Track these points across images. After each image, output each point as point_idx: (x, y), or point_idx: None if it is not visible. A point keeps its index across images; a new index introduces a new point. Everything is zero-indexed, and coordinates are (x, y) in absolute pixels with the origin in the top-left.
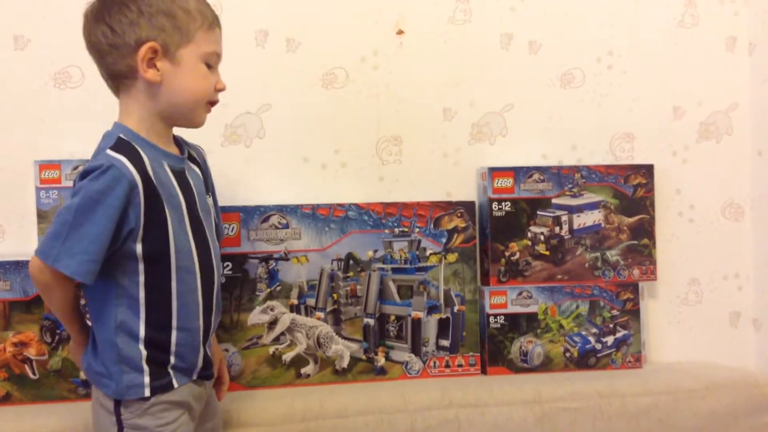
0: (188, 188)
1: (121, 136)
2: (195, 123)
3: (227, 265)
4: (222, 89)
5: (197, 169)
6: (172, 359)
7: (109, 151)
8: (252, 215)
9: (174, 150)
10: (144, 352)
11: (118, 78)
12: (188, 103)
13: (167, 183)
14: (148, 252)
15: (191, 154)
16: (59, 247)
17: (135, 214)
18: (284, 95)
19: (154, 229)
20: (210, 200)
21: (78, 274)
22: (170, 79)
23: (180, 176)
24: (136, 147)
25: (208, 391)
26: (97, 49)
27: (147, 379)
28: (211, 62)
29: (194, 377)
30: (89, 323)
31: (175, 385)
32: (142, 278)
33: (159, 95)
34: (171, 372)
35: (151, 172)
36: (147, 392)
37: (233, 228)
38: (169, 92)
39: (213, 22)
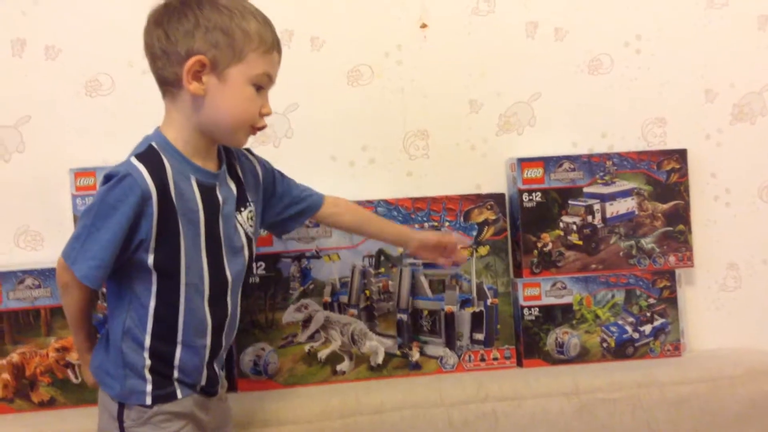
0: (213, 205)
1: (153, 144)
2: (234, 143)
3: (260, 265)
4: (267, 114)
5: (233, 186)
6: (176, 372)
7: (133, 159)
8: None
9: (211, 165)
10: (148, 362)
11: (165, 84)
12: (228, 122)
13: (188, 197)
14: (159, 264)
15: (235, 169)
16: (78, 249)
17: (147, 225)
18: (310, 94)
19: (166, 242)
20: (244, 214)
21: (86, 279)
22: (214, 96)
23: (208, 192)
24: (164, 157)
25: (221, 401)
26: (151, 51)
27: (149, 387)
28: (261, 84)
29: (198, 391)
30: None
31: (179, 395)
32: (154, 288)
33: (201, 109)
34: (175, 383)
35: (171, 185)
36: (148, 400)
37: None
38: (211, 108)
39: (272, 47)
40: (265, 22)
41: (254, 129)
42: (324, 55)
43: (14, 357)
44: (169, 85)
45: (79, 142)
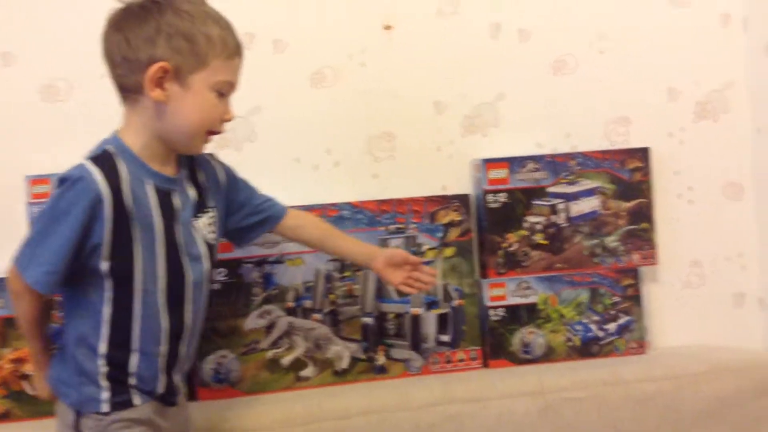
0: (170, 211)
1: (108, 148)
2: (191, 150)
3: (221, 271)
4: (229, 120)
5: (192, 192)
6: (132, 379)
7: (86, 162)
8: None
9: (169, 170)
10: (103, 368)
11: (125, 90)
12: (189, 129)
13: (144, 202)
14: (113, 270)
15: (195, 174)
16: (29, 254)
17: (100, 230)
18: (273, 97)
19: (120, 248)
20: (203, 219)
21: (37, 285)
22: (176, 103)
23: (164, 197)
24: (118, 161)
25: (180, 409)
26: (110, 57)
27: (106, 395)
28: (223, 91)
29: (156, 398)
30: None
31: (136, 402)
32: (108, 295)
33: (162, 116)
34: (132, 390)
35: (125, 189)
36: (105, 408)
37: None
38: (173, 115)
39: (234, 53)
40: (228, 28)
41: (210, 134)
42: (287, 57)
43: None
44: (129, 91)
45: (34, 149)
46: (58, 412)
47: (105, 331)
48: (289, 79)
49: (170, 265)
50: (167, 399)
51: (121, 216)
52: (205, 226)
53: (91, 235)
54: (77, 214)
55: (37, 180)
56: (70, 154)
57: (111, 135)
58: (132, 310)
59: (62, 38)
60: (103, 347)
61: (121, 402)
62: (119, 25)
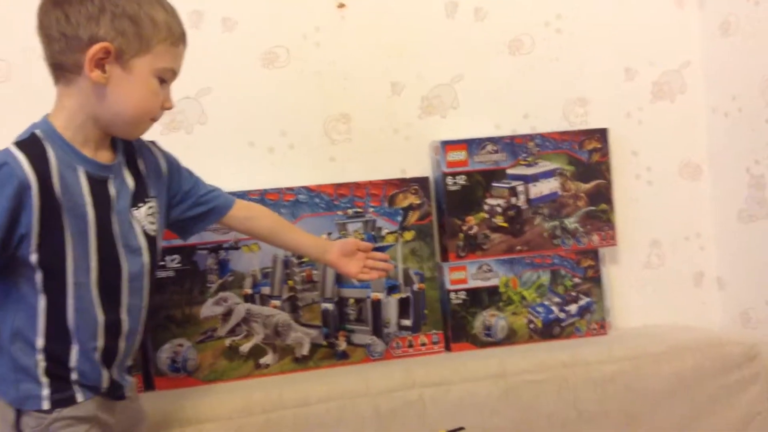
0: (105, 200)
1: (36, 132)
2: (131, 136)
3: (174, 258)
4: (169, 108)
5: (130, 180)
6: (74, 375)
7: (12, 147)
8: None
9: (104, 157)
10: (42, 363)
11: (60, 69)
12: (129, 114)
13: (75, 190)
14: (43, 262)
15: (135, 162)
16: None
17: (27, 218)
18: (224, 77)
19: (49, 238)
20: (143, 210)
21: None
22: (116, 86)
23: (98, 185)
24: (47, 146)
25: (130, 402)
26: (47, 33)
27: (46, 391)
28: (165, 78)
29: (100, 393)
30: None
31: (79, 399)
32: (40, 287)
33: (100, 99)
34: (74, 386)
35: (54, 176)
36: (46, 405)
37: None
38: (112, 98)
39: (178, 39)
40: (173, 14)
41: (152, 120)
42: (237, 36)
43: None
44: (64, 70)
45: None
46: None
47: (41, 323)
48: (239, 59)
49: (103, 257)
50: (112, 394)
51: (50, 204)
52: (144, 217)
53: (18, 224)
54: (1, 203)
55: None
56: (9, 138)
57: (41, 119)
58: (66, 302)
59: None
60: (40, 341)
61: (63, 399)
62: (59, 0)
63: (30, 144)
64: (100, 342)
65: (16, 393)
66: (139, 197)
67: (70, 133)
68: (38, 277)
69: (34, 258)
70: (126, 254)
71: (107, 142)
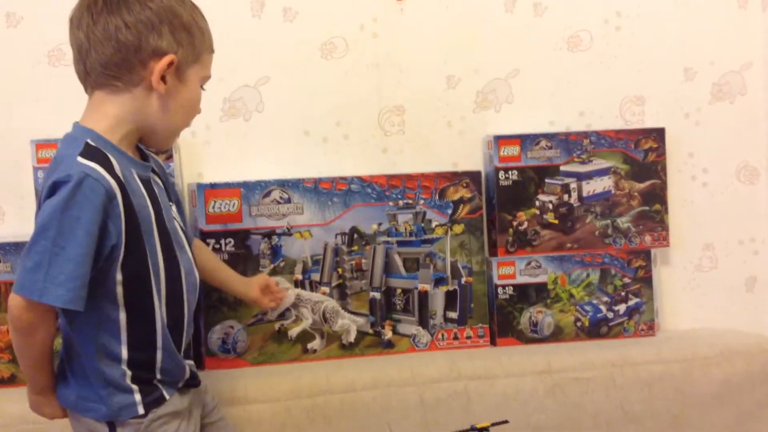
0: (155, 198)
1: (89, 141)
2: (165, 144)
3: (229, 242)
4: (199, 113)
5: (159, 180)
6: (158, 375)
7: (80, 159)
8: (253, 191)
9: (138, 159)
10: (129, 372)
11: (112, 77)
12: (177, 124)
13: (138, 193)
14: (128, 269)
15: (153, 167)
16: (43, 278)
17: (116, 228)
18: (283, 67)
19: (134, 246)
20: (174, 209)
21: (71, 303)
22: (173, 96)
23: (147, 185)
24: (107, 154)
25: (203, 389)
26: (98, 41)
27: (138, 397)
28: (204, 86)
29: (180, 386)
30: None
31: (167, 396)
32: (121, 299)
33: (155, 108)
34: (159, 386)
35: (125, 182)
36: (141, 410)
37: (234, 204)
38: (168, 108)
39: (213, 46)
40: (205, 19)
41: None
42: (297, 26)
43: None
44: (116, 79)
45: (40, 113)
46: (78, 428)
47: (124, 335)
48: (298, 50)
49: (166, 257)
50: (192, 382)
51: (130, 211)
52: (177, 215)
53: (108, 236)
54: (92, 218)
55: (42, 144)
56: (74, 118)
57: (76, 128)
58: (152, 307)
59: (69, 1)
60: (124, 352)
61: (153, 400)
62: (116, 7)
63: (94, 153)
64: (176, 338)
65: (109, 407)
66: (168, 197)
67: (117, 139)
68: (120, 288)
69: (119, 266)
70: (178, 251)
71: (135, 147)
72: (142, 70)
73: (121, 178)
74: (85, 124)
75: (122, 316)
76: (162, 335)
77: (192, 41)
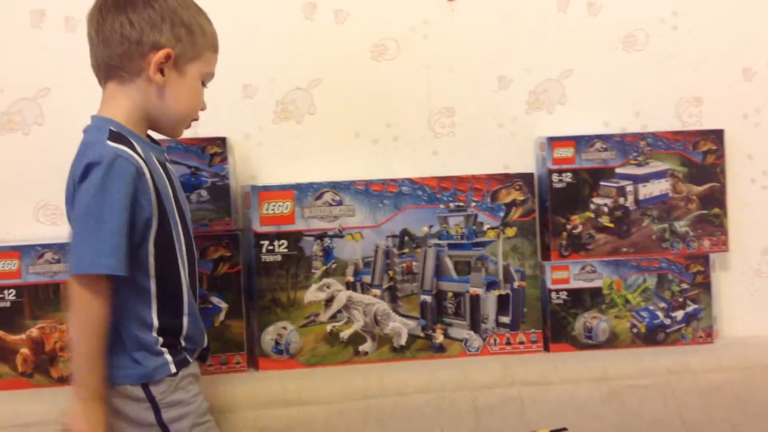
0: (172, 180)
1: (112, 128)
2: (174, 133)
3: (282, 243)
4: (204, 109)
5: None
6: (182, 342)
7: (109, 142)
8: (305, 192)
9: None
10: (160, 339)
11: (119, 70)
12: (178, 114)
13: (158, 172)
14: (159, 241)
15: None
16: (90, 251)
17: (148, 202)
18: (334, 69)
19: (162, 217)
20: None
21: (119, 269)
22: (172, 88)
23: (164, 167)
24: (129, 138)
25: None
26: (107, 36)
27: (169, 358)
28: (206, 82)
29: (195, 357)
30: None
31: (189, 360)
32: (152, 270)
33: (157, 98)
34: (183, 351)
35: (147, 161)
36: (173, 368)
37: (287, 206)
38: (167, 98)
39: (217, 46)
40: (212, 23)
41: (193, 120)
42: (348, 28)
43: (34, 332)
44: (122, 71)
45: None
46: (117, 401)
47: (155, 305)
48: (350, 51)
49: (185, 231)
50: (205, 354)
51: (156, 188)
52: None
53: (142, 209)
54: (126, 191)
55: None
56: None
57: (96, 119)
58: (179, 276)
59: None
60: (155, 320)
61: (181, 361)
62: (122, 6)
63: (119, 137)
64: (196, 308)
65: (144, 370)
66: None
67: (131, 126)
68: (152, 258)
69: (152, 238)
70: (190, 227)
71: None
72: (142, 62)
73: (144, 158)
74: (103, 114)
75: (153, 286)
76: (188, 302)
77: (192, 39)
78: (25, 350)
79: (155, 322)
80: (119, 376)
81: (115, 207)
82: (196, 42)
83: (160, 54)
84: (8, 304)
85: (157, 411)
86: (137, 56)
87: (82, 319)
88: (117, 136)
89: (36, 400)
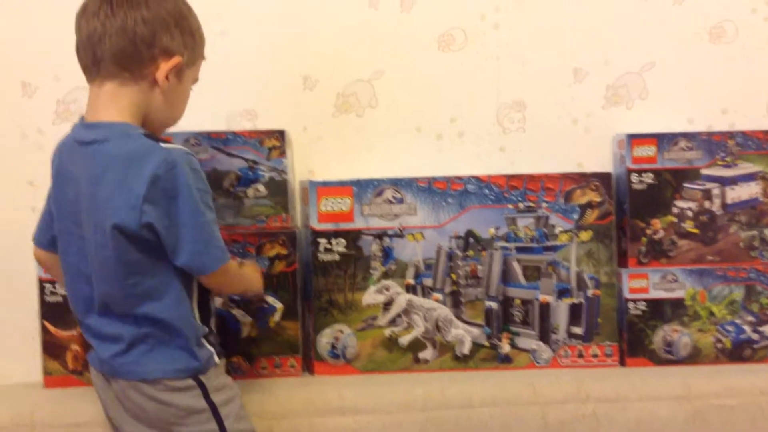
0: None
1: (141, 131)
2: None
3: (339, 242)
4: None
5: None
6: (211, 338)
7: (163, 145)
8: (365, 189)
9: None
10: (204, 330)
11: (121, 67)
12: (174, 119)
13: None
14: None
15: None
16: (216, 245)
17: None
18: (398, 60)
19: None
20: None
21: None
22: (171, 93)
23: None
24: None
25: None
26: (115, 30)
27: (212, 350)
28: (192, 86)
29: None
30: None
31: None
32: None
33: (155, 102)
34: (214, 347)
35: None
36: (217, 359)
37: (346, 203)
38: (166, 103)
39: (204, 53)
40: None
41: None
42: (414, 17)
43: None
44: (126, 71)
45: None
46: (168, 395)
47: (196, 303)
48: (415, 42)
49: None
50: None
51: None
52: None
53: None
54: (207, 184)
55: None
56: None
57: (115, 126)
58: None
59: None
60: (198, 316)
61: (219, 352)
62: (134, 2)
63: (156, 138)
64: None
65: (198, 362)
66: None
67: (140, 125)
68: None
69: None
70: None
71: None
72: (150, 65)
73: None
74: (112, 119)
75: (194, 284)
76: (213, 303)
77: (194, 46)
78: (75, 347)
79: (198, 318)
80: (177, 371)
81: (208, 201)
82: (196, 49)
83: (173, 61)
84: (59, 299)
85: (206, 395)
86: (147, 59)
87: (247, 285)
88: (155, 138)
89: (86, 399)
